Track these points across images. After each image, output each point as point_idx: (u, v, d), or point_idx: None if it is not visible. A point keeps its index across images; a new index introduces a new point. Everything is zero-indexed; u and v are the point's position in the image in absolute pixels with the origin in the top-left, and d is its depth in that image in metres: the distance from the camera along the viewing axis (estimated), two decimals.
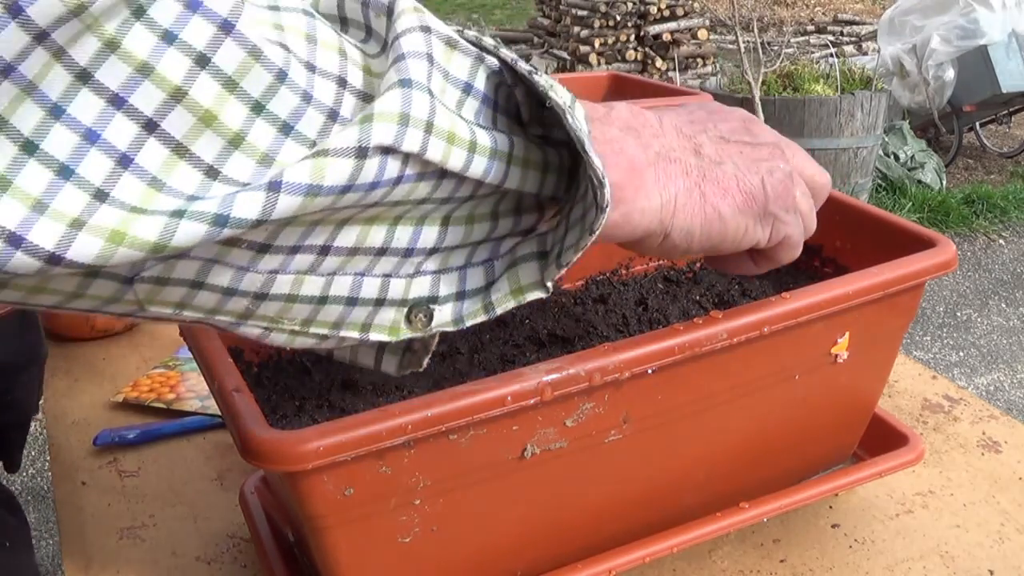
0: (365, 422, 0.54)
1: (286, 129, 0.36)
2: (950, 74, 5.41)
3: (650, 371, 0.62)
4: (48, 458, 0.97)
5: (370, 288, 0.44)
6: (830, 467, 0.81)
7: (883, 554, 0.75)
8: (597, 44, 6.71)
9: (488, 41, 0.43)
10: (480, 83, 0.42)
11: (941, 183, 5.12)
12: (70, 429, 0.98)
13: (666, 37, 6.80)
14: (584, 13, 6.73)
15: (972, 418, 0.94)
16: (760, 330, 0.65)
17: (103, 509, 0.85)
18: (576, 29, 6.76)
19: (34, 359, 0.86)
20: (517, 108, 0.45)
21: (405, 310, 0.46)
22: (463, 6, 11.03)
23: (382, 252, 0.43)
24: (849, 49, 7.95)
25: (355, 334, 0.46)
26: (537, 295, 0.49)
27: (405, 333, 0.46)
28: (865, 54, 7.50)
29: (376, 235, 0.42)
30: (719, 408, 0.68)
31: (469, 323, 0.48)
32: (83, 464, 0.92)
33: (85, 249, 0.33)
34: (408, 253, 0.44)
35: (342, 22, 0.42)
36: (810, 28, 8.82)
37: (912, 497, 0.82)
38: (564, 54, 6.86)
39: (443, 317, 0.47)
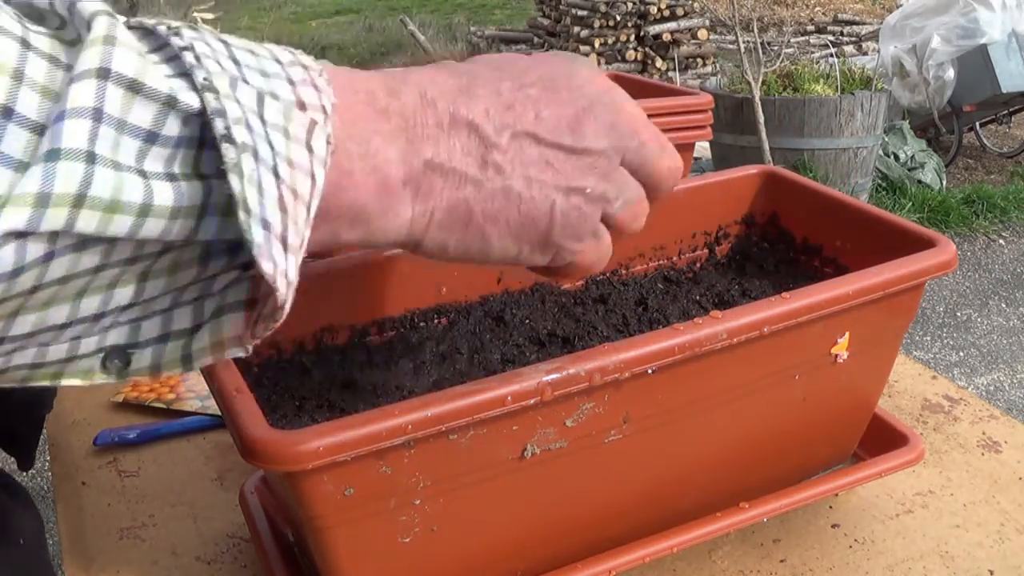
0: (365, 422, 0.54)
1: None
2: (950, 74, 5.42)
3: (650, 371, 0.62)
4: (48, 458, 0.97)
5: (57, 352, 0.39)
6: (830, 467, 0.81)
7: (883, 554, 0.75)
8: (597, 44, 6.72)
9: (204, 71, 0.36)
10: (170, 129, 0.35)
11: (941, 183, 5.13)
12: (70, 429, 0.98)
13: (666, 37, 6.80)
14: (584, 13, 6.73)
15: (972, 418, 0.94)
16: (760, 330, 0.65)
17: (103, 509, 0.85)
18: (576, 29, 6.76)
19: None
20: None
21: (101, 356, 0.41)
22: (463, 6, 11.03)
23: (67, 326, 0.38)
24: (849, 49, 7.95)
25: (47, 383, 0.41)
26: (237, 353, 0.42)
27: (100, 378, 0.41)
28: (865, 54, 7.50)
29: (57, 313, 0.37)
30: (719, 408, 0.68)
31: (167, 372, 0.42)
32: (83, 464, 0.92)
33: None
34: (100, 316, 0.39)
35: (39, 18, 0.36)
36: (810, 28, 8.82)
37: (912, 497, 0.82)
38: None
39: (141, 363, 0.41)
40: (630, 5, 6.71)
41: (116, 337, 0.40)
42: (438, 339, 0.79)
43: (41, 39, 0.34)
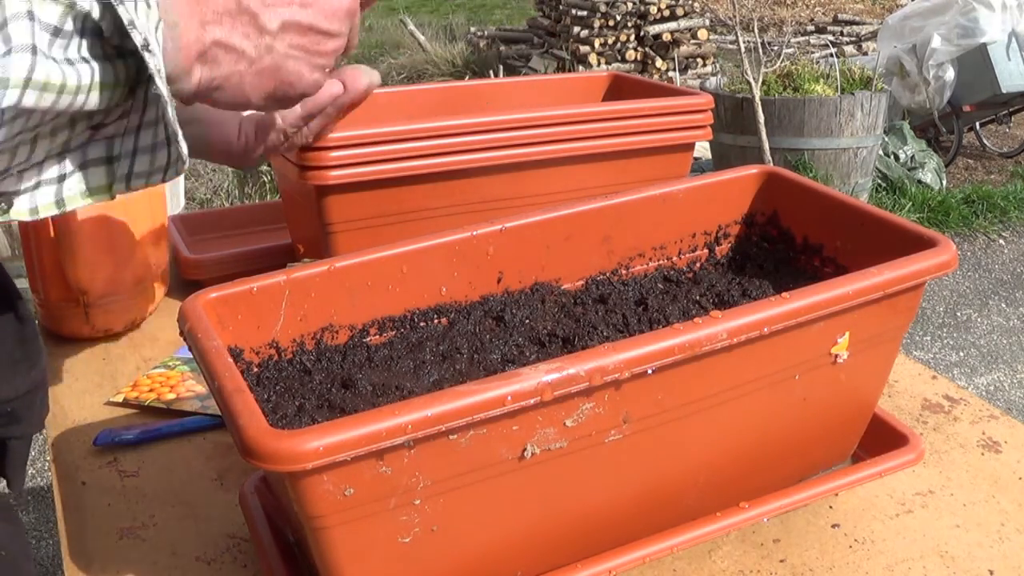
0: (365, 422, 0.54)
1: None
2: (950, 74, 5.41)
3: (650, 371, 0.62)
4: (48, 458, 0.97)
5: None
6: (830, 467, 0.81)
7: (883, 554, 0.75)
8: (597, 44, 6.71)
9: None
10: (70, 22, 0.49)
11: (941, 183, 5.12)
12: (70, 429, 0.98)
13: (666, 37, 6.80)
14: (584, 13, 6.73)
15: (972, 418, 0.94)
16: (760, 330, 0.65)
17: (103, 509, 0.85)
18: (576, 29, 6.76)
19: (33, 365, 0.86)
20: (100, 30, 0.51)
21: None
22: (463, 6, 11.02)
23: None
24: (849, 49, 7.95)
25: None
26: (103, 199, 0.56)
27: None
28: (865, 54, 7.50)
29: None
30: (719, 408, 0.68)
31: (43, 215, 0.54)
32: (83, 464, 0.92)
33: None
34: (3, 172, 0.52)
35: None
36: (810, 28, 8.82)
37: (912, 497, 0.82)
38: (564, 54, 6.86)
39: (20, 207, 0.53)
40: (630, 5, 6.71)
41: (5, 186, 0.52)
42: (438, 339, 0.79)
43: None
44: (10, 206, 0.53)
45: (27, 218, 0.53)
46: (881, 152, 4.96)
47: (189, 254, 1.31)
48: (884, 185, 5.01)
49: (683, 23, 6.82)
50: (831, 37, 8.30)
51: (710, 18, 7.01)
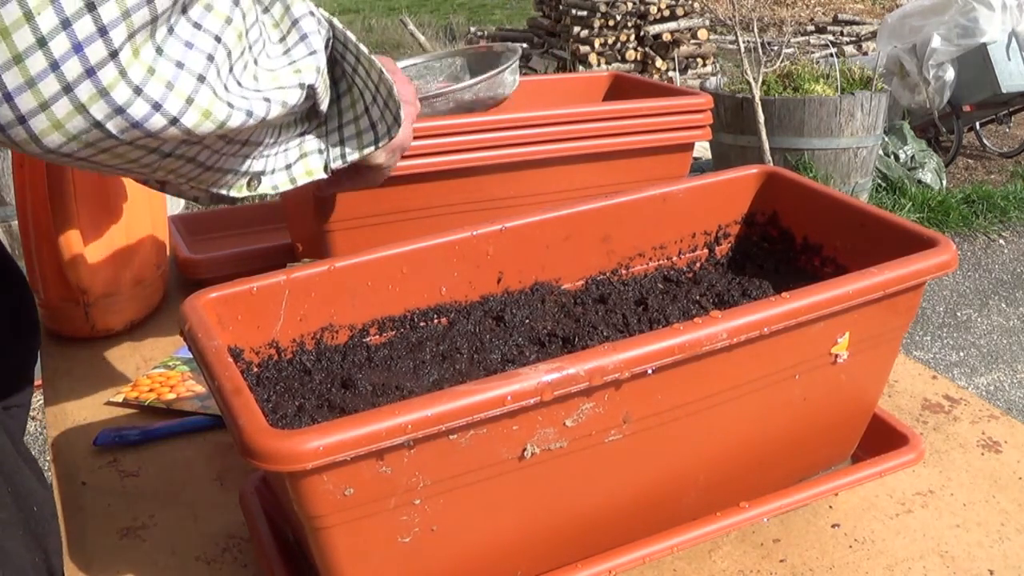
0: (365, 422, 0.55)
1: (250, 48, 0.62)
2: (950, 74, 5.41)
3: (650, 371, 0.62)
4: (48, 458, 0.97)
5: (245, 165, 0.70)
6: (830, 467, 0.81)
7: (883, 554, 0.75)
8: (597, 44, 6.71)
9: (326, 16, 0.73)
10: (325, 45, 0.70)
11: (941, 183, 5.12)
12: (70, 429, 0.98)
13: (666, 37, 6.80)
14: (584, 13, 6.72)
15: (972, 418, 0.94)
16: (760, 330, 0.65)
17: (103, 509, 0.85)
18: (576, 29, 6.76)
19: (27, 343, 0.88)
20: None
21: (247, 179, 0.71)
22: (463, 6, 11.03)
23: (256, 144, 0.69)
24: (849, 49, 7.95)
25: (224, 191, 0.71)
26: (321, 177, 0.77)
27: (245, 191, 0.71)
28: (865, 54, 7.50)
29: (257, 135, 0.68)
30: (719, 408, 0.68)
31: (283, 188, 0.74)
32: (83, 464, 0.92)
33: (190, 118, 0.55)
34: (260, 144, 0.70)
35: None
36: (810, 28, 8.82)
37: (912, 497, 0.82)
38: (564, 54, 6.86)
39: (266, 184, 0.72)
40: (630, 5, 6.70)
41: (256, 167, 0.71)
42: (438, 339, 0.79)
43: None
44: (259, 183, 0.71)
45: (269, 191, 0.73)
46: (881, 152, 4.96)
47: (189, 254, 1.31)
48: (884, 185, 5.01)
49: (683, 23, 6.82)
50: (831, 37, 8.30)
51: (710, 18, 7.01)
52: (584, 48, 6.70)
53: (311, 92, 0.68)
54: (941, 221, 4.76)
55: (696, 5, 6.96)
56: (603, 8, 6.67)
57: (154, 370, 1.07)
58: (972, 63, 5.30)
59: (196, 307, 0.69)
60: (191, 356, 0.67)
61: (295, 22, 0.67)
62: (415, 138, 1.08)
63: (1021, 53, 5.27)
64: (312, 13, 0.69)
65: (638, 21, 6.78)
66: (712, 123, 1.24)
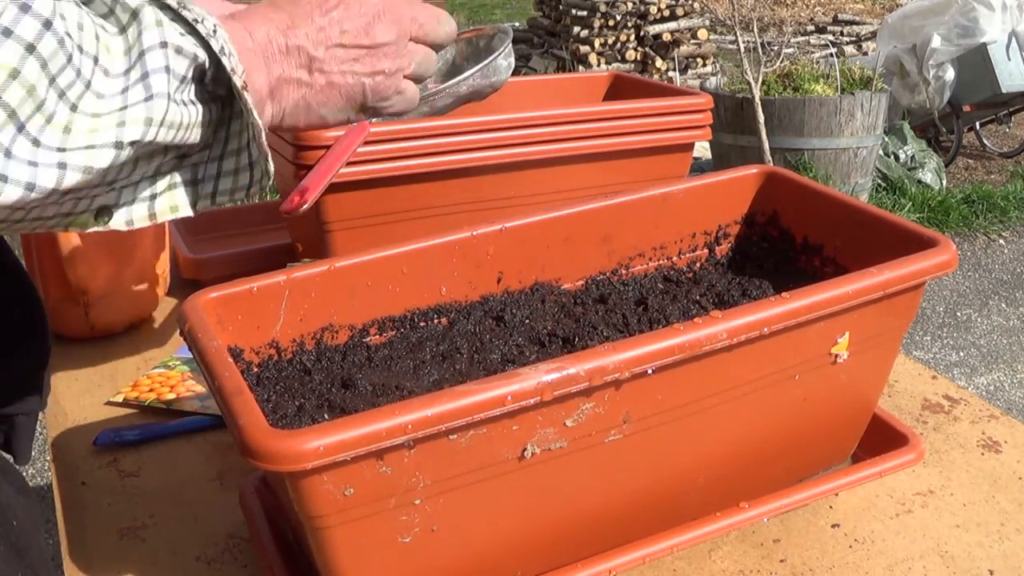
0: (365, 422, 0.55)
1: (62, 95, 0.52)
2: (950, 74, 5.41)
3: (650, 371, 0.62)
4: (48, 458, 0.97)
5: (82, 205, 0.60)
6: (830, 467, 0.81)
7: (883, 554, 0.75)
8: (597, 44, 6.71)
9: (209, 31, 0.60)
10: (190, 73, 0.59)
11: (941, 183, 5.12)
12: (70, 429, 0.98)
13: (666, 37, 6.80)
14: (584, 13, 6.72)
15: (972, 418, 0.94)
16: (760, 330, 0.65)
17: (103, 509, 0.85)
18: (576, 29, 6.76)
19: (36, 335, 0.88)
20: (204, 78, 0.61)
21: (94, 212, 0.61)
22: (463, 6, 11.03)
23: (99, 186, 0.59)
24: (849, 49, 7.95)
25: (62, 227, 0.61)
26: (187, 215, 0.64)
27: (93, 226, 0.61)
28: (865, 54, 7.50)
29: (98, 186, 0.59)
30: (719, 408, 0.68)
31: (138, 225, 0.63)
32: (83, 464, 0.92)
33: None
34: (111, 183, 0.60)
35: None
36: (810, 28, 8.82)
37: (912, 497, 0.82)
38: (564, 54, 6.86)
39: (119, 219, 0.62)
40: (630, 5, 6.71)
41: (106, 200, 0.61)
42: (438, 339, 0.79)
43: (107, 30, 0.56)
44: (110, 218, 0.62)
45: (123, 228, 0.62)
46: (881, 152, 4.96)
47: (189, 254, 1.31)
48: (884, 185, 5.01)
49: (683, 23, 6.82)
50: (831, 37, 8.30)
51: (710, 18, 7.01)
52: (584, 48, 6.70)
53: (141, 146, 0.57)
54: (941, 221, 4.76)
55: (696, 5, 6.96)
56: (603, 8, 6.67)
57: (154, 370, 1.07)
58: (972, 63, 5.30)
59: (196, 307, 0.69)
60: (191, 356, 0.67)
61: (141, 55, 0.56)
62: (415, 138, 1.08)
63: (1021, 53, 5.27)
64: (165, 44, 0.57)
65: (638, 21, 6.78)
66: (712, 123, 1.25)
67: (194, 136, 0.61)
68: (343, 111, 0.72)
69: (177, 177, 0.65)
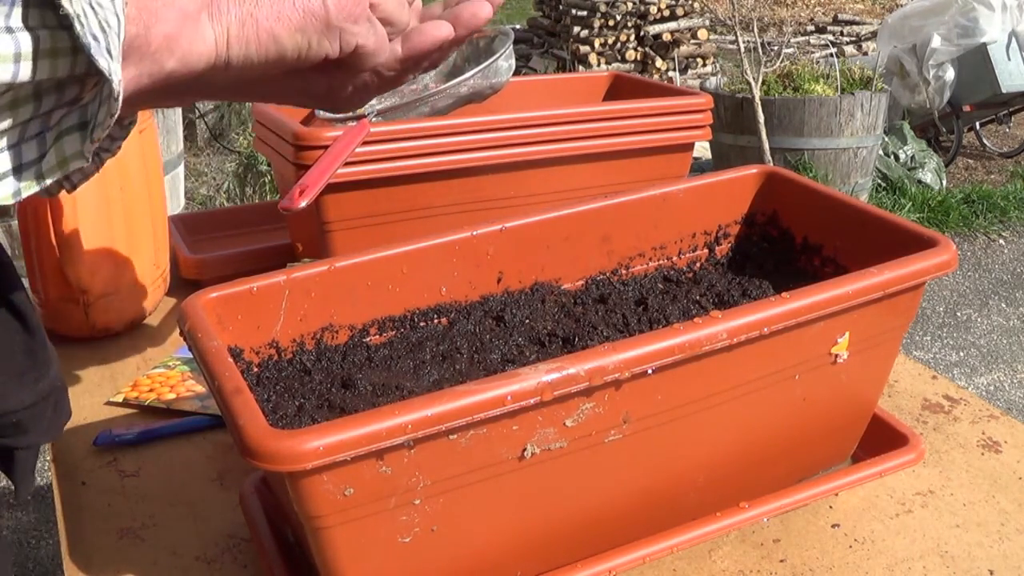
0: (365, 422, 0.54)
1: None
2: (950, 74, 5.41)
3: (650, 371, 0.62)
4: (48, 458, 0.97)
5: None
6: (830, 467, 0.81)
7: (883, 554, 0.75)
8: (597, 44, 6.71)
9: None
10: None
11: (941, 183, 5.12)
12: (70, 429, 0.97)
13: (666, 37, 6.80)
14: (584, 13, 6.73)
15: (972, 418, 0.94)
16: (760, 330, 0.65)
17: (103, 509, 0.85)
18: (576, 29, 6.76)
19: (42, 377, 0.86)
20: None
21: None
22: None
23: None
24: (849, 49, 7.95)
25: None
26: (79, 164, 0.52)
27: None
28: (865, 54, 7.50)
29: None
30: (719, 408, 0.68)
31: (26, 194, 0.51)
32: (83, 464, 0.92)
33: None
34: None
35: None
36: (810, 28, 8.81)
37: (912, 497, 0.82)
38: (564, 54, 6.86)
39: (4, 191, 0.50)
40: (630, 5, 6.71)
41: None
42: (438, 339, 0.79)
43: None
44: None
45: (10, 201, 0.51)
46: (881, 152, 4.96)
47: (189, 254, 1.31)
48: (884, 185, 5.01)
49: (683, 23, 6.82)
50: (831, 37, 8.30)
51: (710, 18, 7.01)
52: (584, 48, 6.70)
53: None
54: (941, 221, 4.76)
55: (696, 5, 6.96)
56: (603, 8, 6.67)
57: (154, 370, 1.07)
58: (972, 63, 5.31)
59: (196, 307, 0.69)
60: (191, 356, 0.67)
61: None
62: (415, 138, 1.08)
63: (1021, 53, 5.27)
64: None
65: (638, 21, 6.79)
66: (712, 123, 1.25)
67: (63, 67, 0.48)
68: (301, 31, 0.57)
69: (64, 123, 0.52)
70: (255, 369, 0.74)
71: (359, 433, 0.54)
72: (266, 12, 0.55)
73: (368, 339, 0.78)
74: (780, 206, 0.89)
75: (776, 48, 5.12)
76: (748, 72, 4.46)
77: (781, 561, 0.75)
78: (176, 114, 4.07)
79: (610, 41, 6.76)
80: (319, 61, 0.58)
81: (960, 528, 0.78)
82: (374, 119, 0.77)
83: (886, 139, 5.05)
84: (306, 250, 1.20)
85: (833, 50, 5.90)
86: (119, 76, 0.49)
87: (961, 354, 3.67)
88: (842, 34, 8.57)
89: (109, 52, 0.48)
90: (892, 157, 5.10)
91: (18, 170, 0.51)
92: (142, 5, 0.51)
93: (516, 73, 1.23)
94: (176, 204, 3.99)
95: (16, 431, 0.81)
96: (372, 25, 0.59)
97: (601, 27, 6.72)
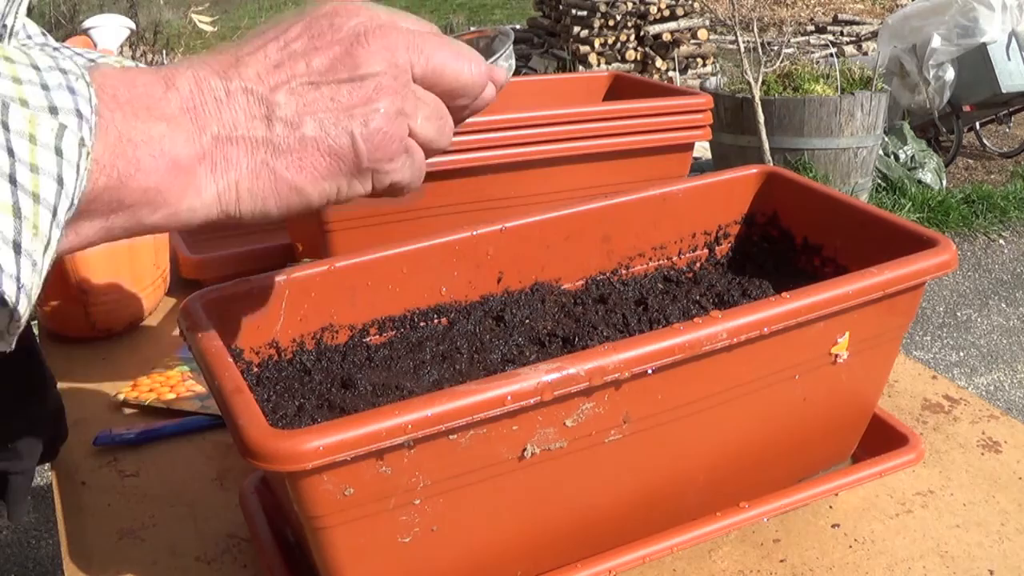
0: (365, 422, 0.54)
1: None
2: (950, 74, 5.42)
3: (650, 371, 0.62)
4: None
5: None
6: (830, 467, 0.81)
7: (883, 554, 0.75)
8: (597, 44, 6.72)
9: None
10: None
11: (941, 183, 5.12)
12: (70, 429, 0.97)
13: (666, 37, 6.80)
14: (584, 13, 6.73)
15: (972, 418, 0.94)
16: (760, 330, 0.65)
17: (103, 509, 0.85)
18: (576, 29, 6.77)
19: (37, 402, 0.85)
20: None
21: None
22: (463, 6, 11.03)
23: None
24: (849, 49, 7.95)
25: None
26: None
27: None
28: (865, 54, 7.50)
29: None
30: (719, 408, 0.68)
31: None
32: (83, 464, 0.92)
33: None
34: None
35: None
36: (810, 28, 8.81)
37: (912, 497, 0.82)
38: (564, 54, 6.86)
39: None
40: (630, 5, 6.71)
41: None
42: (438, 339, 0.79)
43: None
44: None
45: None
46: (881, 152, 4.96)
47: (189, 254, 1.31)
48: (884, 185, 5.01)
49: (683, 23, 6.83)
50: (831, 37, 8.30)
51: (710, 18, 7.01)
52: (584, 48, 6.70)
53: None
54: (941, 221, 4.76)
55: (696, 5, 6.96)
56: (603, 8, 6.67)
57: (154, 370, 1.07)
58: (972, 63, 5.31)
59: (196, 307, 0.69)
60: (191, 356, 0.67)
61: None
62: None
63: (1021, 53, 5.28)
64: None
65: (638, 21, 6.79)
66: (712, 123, 1.24)
67: None
68: (329, 178, 0.49)
69: None
70: (255, 369, 0.74)
71: (359, 433, 0.54)
72: (285, 161, 0.48)
73: (368, 339, 0.78)
74: (780, 206, 0.89)
75: (776, 48, 5.12)
76: (748, 72, 4.46)
77: (781, 561, 0.75)
78: None
79: (610, 41, 6.77)
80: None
81: (960, 528, 0.78)
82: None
83: (886, 139, 5.06)
84: (306, 250, 1.20)
85: (833, 50, 5.91)
86: (24, 280, 0.40)
87: (961, 354, 3.67)
88: (842, 34, 8.57)
89: (16, 245, 0.39)
90: (892, 157, 5.10)
91: None
92: (117, 145, 0.43)
93: (516, 73, 1.23)
94: None
95: (11, 456, 0.81)
96: (410, 156, 0.53)
97: (601, 27, 6.72)
